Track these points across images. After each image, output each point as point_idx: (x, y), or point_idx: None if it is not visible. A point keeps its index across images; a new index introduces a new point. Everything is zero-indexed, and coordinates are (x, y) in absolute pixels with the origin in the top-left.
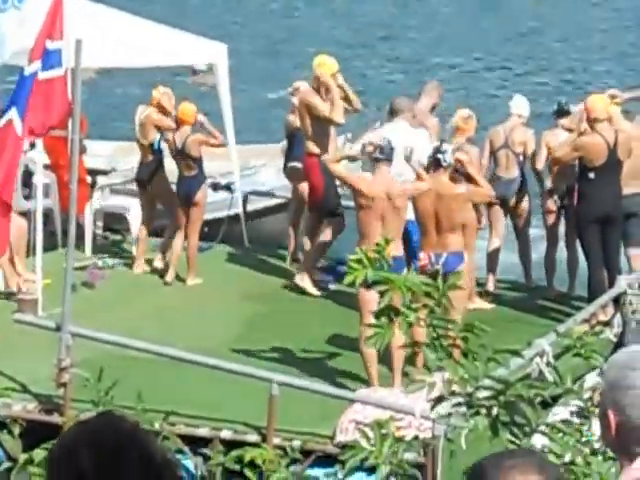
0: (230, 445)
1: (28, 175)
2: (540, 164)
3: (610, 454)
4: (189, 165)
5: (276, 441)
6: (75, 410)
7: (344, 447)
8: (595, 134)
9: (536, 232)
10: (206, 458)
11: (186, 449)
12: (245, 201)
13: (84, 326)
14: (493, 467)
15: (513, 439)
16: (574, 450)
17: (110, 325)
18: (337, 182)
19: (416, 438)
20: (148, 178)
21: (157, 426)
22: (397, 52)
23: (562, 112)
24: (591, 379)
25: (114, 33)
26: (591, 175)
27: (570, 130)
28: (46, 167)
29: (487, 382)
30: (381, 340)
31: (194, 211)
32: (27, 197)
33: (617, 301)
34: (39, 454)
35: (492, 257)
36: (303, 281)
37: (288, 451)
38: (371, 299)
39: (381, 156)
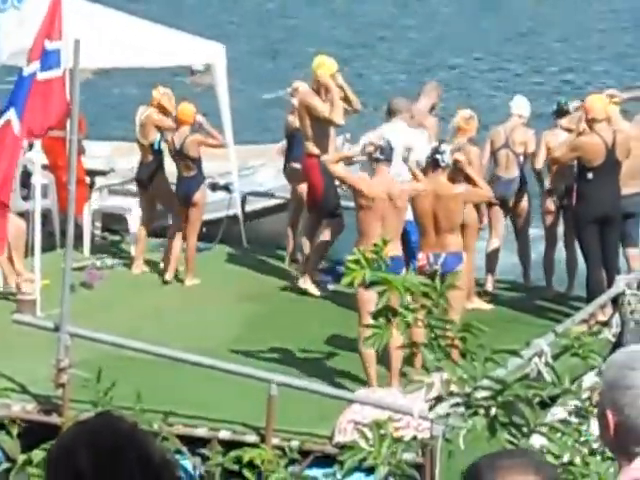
0: (229, 445)
1: (27, 176)
2: (539, 164)
3: (608, 454)
4: (188, 165)
5: (275, 441)
6: (74, 410)
7: (343, 447)
8: (593, 134)
9: (535, 232)
10: (204, 458)
11: (184, 449)
12: (243, 201)
13: (83, 326)
14: (489, 467)
15: (511, 439)
16: (572, 450)
17: (109, 325)
18: (337, 182)
19: (414, 438)
20: (148, 178)
21: (156, 427)
22: (397, 52)
23: (562, 112)
24: (589, 379)
25: (111, 33)
26: (589, 175)
27: (569, 130)
28: (44, 168)
29: (485, 382)
30: (379, 340)
31: (193, 211)
32: (25, 198)
33: (615, 301)
34: (38, 455)
35: (491, 257)
36: (306, 284)
37: (287, 451)
38: (370, 299)
39: (381, 156)
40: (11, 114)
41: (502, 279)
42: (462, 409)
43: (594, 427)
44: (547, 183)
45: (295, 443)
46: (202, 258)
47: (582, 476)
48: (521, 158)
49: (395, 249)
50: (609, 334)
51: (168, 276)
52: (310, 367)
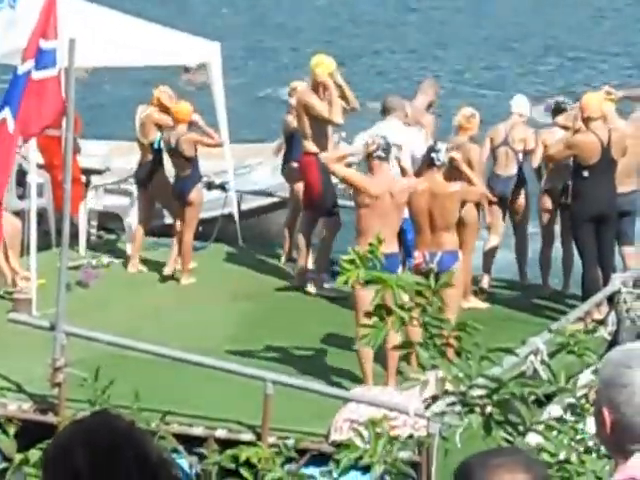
0: (225, 444)
1: (22, 174)
2: (536, 162)
3: (604, 452)
4: (183, 164)
5: (271, 440)
6: (71, 410)
7: (339, 446)
8: (589, 132)
9: (532, 230)
10: (201, 457)
11: (181, 448)
12: (239, 200)
13: (78, 325)
14: (480, 466)
15: (507, 437)
16: (568, 448)
17: (104, 324)
18: (334, 181)
19: (411, 437)
20: (148, 177)
21: (153, 425)
22: (396, 52)
23: (559, 110)
24: (585, 377)
25: (106, 32)
26: (585, 174)
27: (566, 128)
28: (40, 166)
29: (481, 381)
30: (374, 339)
31: (188, 210)
32: (21, 196)
33: (611, 299)
34: (35, 454)
35: (488, 255)
36: (314, 289)
37: (283, 450)
38: (366, 298)
39: (383, 154)
40: (6, 113)
41: (498, 277)
42: (458, 407)
43: (590, 425)
44: (543, 181)
45: (291, 442)
46: (198, 257)
47: (578, 474)
48: (520, 156)
49: (392, 246)
50: (605, 332)
51: (167, 270)
52: (306, 365)
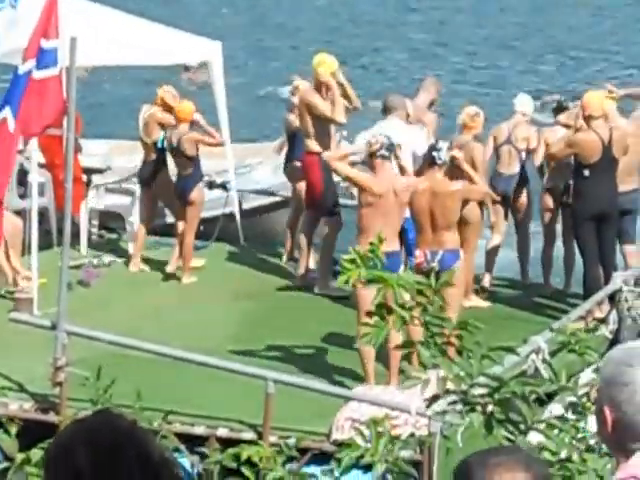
0: (226, 443)
1: (23, 174)
2: (538, 160)
3: (606, 450)
4: (185, 163)
5: (272, 439)
6: (72, 409)
7: (340, 445)
8: (590, 131)
9: (534, 229)
10: (202, 456)
11: (182, 447)
12: (241, 199)
13: (80, 325)
14: (479, 465)
15: (509, 436)
16: (570, 447)
17: (106, 323)
18: (336, 180)
19: (412, 436)
20: (152, 177)
21: (155, 425)
22: (396, 53)
23: (560, 109)
24: (586, 376)
25: (107, 31)
26: (586, 172)
27: (567, 126)
28: (41, 166)
29: (482, 380)
30: (375, 338)
31: (190, 210)
32: (22, 196)
33: (613, 298)
34: (36, 454)
35: (491, 254)
36: (322, 289)
37: (284, 449)
38: (368, 297)
39: (387, 153)
40: (6, 112)
41: (499, 276)
42: (459, 406)
43: (591, 424)
44: (545, 180)
45: (293, 440)
46: (200, 256)
47: (579, 473)
48: (523, 154)
49: (394, 245)
50: (606, 331)
51: (170, 268)
52: (308, 364)
